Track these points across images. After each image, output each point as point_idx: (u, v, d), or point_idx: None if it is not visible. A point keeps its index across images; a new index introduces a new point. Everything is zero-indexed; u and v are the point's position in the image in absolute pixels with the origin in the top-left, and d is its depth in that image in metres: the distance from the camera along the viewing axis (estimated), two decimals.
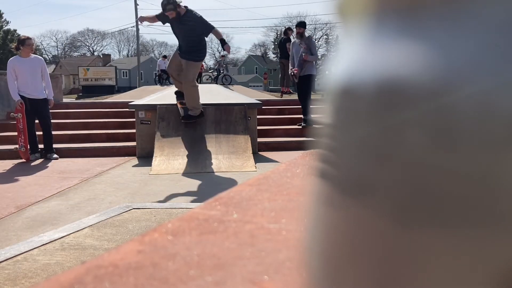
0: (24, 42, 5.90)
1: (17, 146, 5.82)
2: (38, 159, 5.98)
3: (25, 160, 5.84)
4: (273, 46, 66.52)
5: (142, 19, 5.43)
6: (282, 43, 10.73)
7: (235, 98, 7.29)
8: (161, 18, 5.19)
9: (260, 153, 6.30)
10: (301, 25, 7.11)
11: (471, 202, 0.18)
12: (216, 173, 4.93)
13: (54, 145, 6.12)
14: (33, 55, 6.02)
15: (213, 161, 5.41)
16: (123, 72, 53.87)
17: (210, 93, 7.82)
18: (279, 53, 11.54)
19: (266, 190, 0.84)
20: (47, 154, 6.04)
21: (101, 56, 63.82)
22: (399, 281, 0.20)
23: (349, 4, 0.24)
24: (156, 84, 19.62)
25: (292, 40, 7.42)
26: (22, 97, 5.80)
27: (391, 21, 0.21)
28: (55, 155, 6.04)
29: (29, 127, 5.85)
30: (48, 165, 5.59)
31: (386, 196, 0.20)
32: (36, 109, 5.87)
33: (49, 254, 2.39)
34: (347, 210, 0.21)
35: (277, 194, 0.81)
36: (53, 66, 54.42)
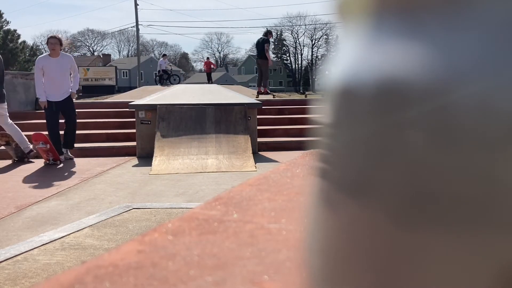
0: (47, 41, 5.71)
1: (34, 144, 5.50)
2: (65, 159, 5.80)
3: (45, 160, 5.61)
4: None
5: None
6: (260, 43, 10.46)
7: (235, 98, 7.29)
8: None
9: (260, 153, 6.31)
10: None
11: (471, 202, 0.18)
12: (216, 173, 4.93)
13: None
14: (62, 53, 5.77)
15: (213, 161, 5.41)
16: (123, 72, 53.88)
17: (211, 93, 7.82)
18: (256, 53, 11.12)
19: (266, 190, 0.84)
20: (66, 150, 5.80)
21: (101, 56, 63.84)
22: (399, 281, 0.20)
23: (349, 4, 0.24)
24: (157, 84, 19.61)
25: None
26: (48, 101, 5.55)
27: (391, 21, 0.21)
28: (70, 155, 5.87)
29: (52, 128, 5.63)
30: (48, 165, 5.58)
31: (386, 196, 0.20)
32: (62, 108, 5.67)
33: (49, 254, 2.39)
34: (347, 210, 0.21)
35: (277, 194, 0.81)
36: None
